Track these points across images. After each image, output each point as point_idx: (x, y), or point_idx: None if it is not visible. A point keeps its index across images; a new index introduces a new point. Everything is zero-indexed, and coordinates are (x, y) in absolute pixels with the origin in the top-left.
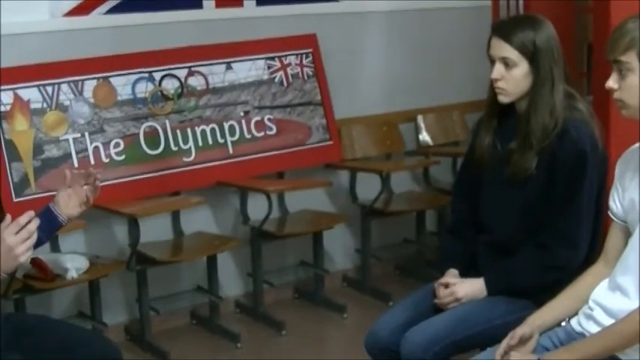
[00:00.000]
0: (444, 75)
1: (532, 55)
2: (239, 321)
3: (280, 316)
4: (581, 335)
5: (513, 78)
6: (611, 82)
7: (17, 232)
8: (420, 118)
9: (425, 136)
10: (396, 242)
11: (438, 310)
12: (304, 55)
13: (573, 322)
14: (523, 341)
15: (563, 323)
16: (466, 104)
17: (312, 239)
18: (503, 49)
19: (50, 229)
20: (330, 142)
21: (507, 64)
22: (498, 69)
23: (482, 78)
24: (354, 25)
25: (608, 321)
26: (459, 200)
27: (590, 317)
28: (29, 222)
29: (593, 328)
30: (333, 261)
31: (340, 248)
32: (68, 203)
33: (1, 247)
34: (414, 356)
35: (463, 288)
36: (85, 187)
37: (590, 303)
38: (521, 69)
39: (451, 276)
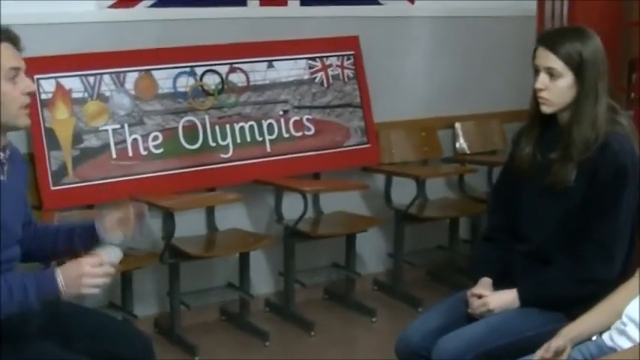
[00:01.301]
0: (484, 83)
1: (577, 66)
2: (268, 319)
3: (310, 317)
4: (613, 350)
5: (557, 89)
6: None
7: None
8: (458, 125)
9: (462, 144)
10: (429, 248)
11: (470, 318)
12: (346, 57)
13: (605, 336)
14: (557, 354)
15: (594, 337)
16: (505, 113)
17: (344, 241)
18: (549, 59)
19: (90, 243)
20: (368, 145)
21: (552, 74)
22: (543, 79)
23: (523, 87)
24: (396, 29)
25: None
26: (496, 208)
27: (622, 332)
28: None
29: (625, 344)
30: (365, 264)
31: (372, 251)
32: (113, 228)
33: (73, 269)
34: None
35: (496, 299)
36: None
37: (624, 318)
38: (566, 80)
39: (484, 286)
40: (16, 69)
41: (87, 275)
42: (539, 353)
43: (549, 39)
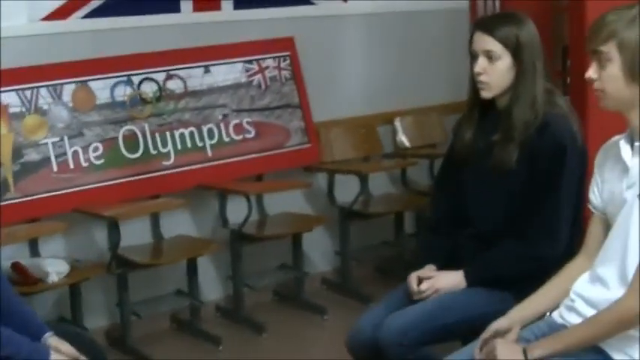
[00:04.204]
0: (422, 77)
1: (515, 48)
2: (220, 324)
3: (261, 319)
4: (563, 327)
5: (496, 71)
6: (591, 73)
7: None
8: (397, 120)
9: (402, 138)
10: (375, 244)
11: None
12: (282, 58)
13: (555, 314)
14: (500, 334)
15: (546, 316)
16: (444, 106)
17: (291, 242)
18: (487, 42)
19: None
20: (309, 145)
21: (490, 57)
22: (481, 63)
23: (461, 80)
24: (332, 28)
25: (589, 312)
26: (439, 196)
27: (571, 309)
28: None
29: (575, 319)
30: (313, 263)
31: (319, 250)
32: None
33: None
34: (391, 340)
35: (443, 279)
36: None
37: (572, 295)
38: (504, 62)
39: (428, 270)
40: None
41: None
42: (482, 336)
43: (486, 23)
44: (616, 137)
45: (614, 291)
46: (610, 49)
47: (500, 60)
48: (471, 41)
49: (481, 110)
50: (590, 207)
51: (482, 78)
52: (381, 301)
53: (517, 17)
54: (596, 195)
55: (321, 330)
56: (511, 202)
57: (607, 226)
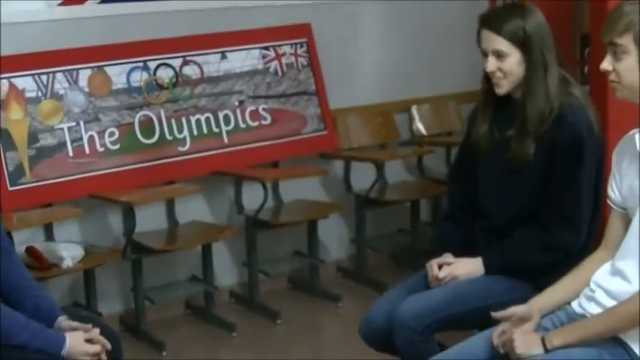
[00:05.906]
0: (439, 65)
1: (523, 42)
2: (234, 311)
3: (275, 306)
4: (582, 316)
5: (507, 68)
6: (606, 64)
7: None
8: (414, 108)
9: (419, 126)
10: (391, 232)
11: None
12: (299, 45)
13: (574, 304)
14: (521, 320)
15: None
16: (461, 94)
17: (306, 229)
18: (494, 41)
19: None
20: (325, 132)
21: (500, 55)
22: (492, 62)
23: (478, 68)
24: (349, 15)
25: (609, 302)
26: (455, 187)
27: (591, 298)
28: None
29: (594, 309)
30: (328, 251)
31: (335, 238)
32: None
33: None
34: (405, 324)
35: (461, 266)
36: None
37: (592, 285)
38: (514, 58)
39: (447, 257)
40: None
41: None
42: (500, 318)
43: (491, 20)
44: (632, 131)
45: (635, 285)
46: (627, 42)
47: (510, 57)
48: (478, 39)
49: (496, 101)
50: (609, 202)
51: (496, 76)
52: (396, 286)
53: (522, 8)
54: (614, 191)
55: (335, 318)
56: (527, 195)
57: (627, 222)
